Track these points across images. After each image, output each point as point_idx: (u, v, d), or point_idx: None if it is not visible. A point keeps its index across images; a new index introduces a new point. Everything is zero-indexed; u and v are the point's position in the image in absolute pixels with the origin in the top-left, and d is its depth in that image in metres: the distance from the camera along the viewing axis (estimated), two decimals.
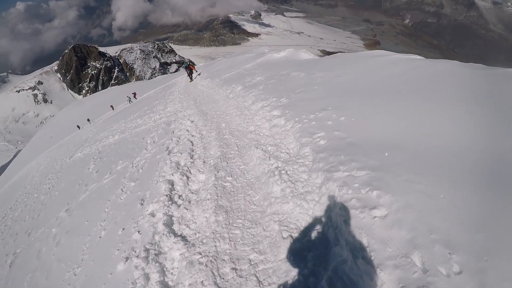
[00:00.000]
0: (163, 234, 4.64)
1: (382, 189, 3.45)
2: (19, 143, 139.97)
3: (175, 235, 4.59)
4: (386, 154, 4.16)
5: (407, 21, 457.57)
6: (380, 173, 3.76)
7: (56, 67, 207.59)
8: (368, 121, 5.39)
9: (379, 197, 3.35)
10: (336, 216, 3.55)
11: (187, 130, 9.45)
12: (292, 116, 6.82)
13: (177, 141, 8.82)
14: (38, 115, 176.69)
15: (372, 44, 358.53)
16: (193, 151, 7.45)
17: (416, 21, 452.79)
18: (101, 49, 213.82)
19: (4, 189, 25.34)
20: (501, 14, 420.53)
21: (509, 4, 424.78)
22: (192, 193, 5.58)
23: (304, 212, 4.04)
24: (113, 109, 40.86)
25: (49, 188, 13.43)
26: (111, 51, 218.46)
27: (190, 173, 6.30)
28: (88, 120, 40.24)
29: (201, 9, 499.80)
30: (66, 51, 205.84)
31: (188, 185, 5.89)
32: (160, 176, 6.73)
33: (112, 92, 73.91)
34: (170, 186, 5.90)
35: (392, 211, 3.13)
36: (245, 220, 4.40)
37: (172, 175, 6.31)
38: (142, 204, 6.00)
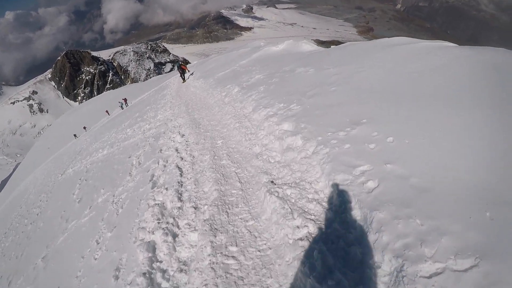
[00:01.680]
0: None
1: None
2: (18, 155, 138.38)
3: None
4: (488, 214, 2.53)
5: (398, 6, 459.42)
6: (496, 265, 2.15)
7: (49, 75, 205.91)
8: (432, 145, 3.59)
9: None
10: None
11: (176, 150, 7.79)
12: (312, 134, 5.04)
13: (164, 165, 7.18)
14: (35, 126, 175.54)
15: (366, 31, 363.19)
16: (181, 185, 5.68)
17: (407, 5, 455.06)
18: (94, 53, 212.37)
19: (4, 207, 24.54)
20: None
21: None
22: (181, 270, 3.75)
23: None
24: (108, 114, 41.03)
25: (37, 215, 12.58)
26: (104, 54, 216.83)
27: (178, 227, 4.51)
28: (84, 128, 40.32)
29: (193, 6, 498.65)
30: (59, 58, 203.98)
31: (176, 251, 4.09)
32: (139, 228, 4.96)
33: (107, 97, 73.96)
34: (150, 255, 4.15)
35: None
36: None
37: (153, 233, 4.54)
38: (116, 279, 4.28)
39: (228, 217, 4.22)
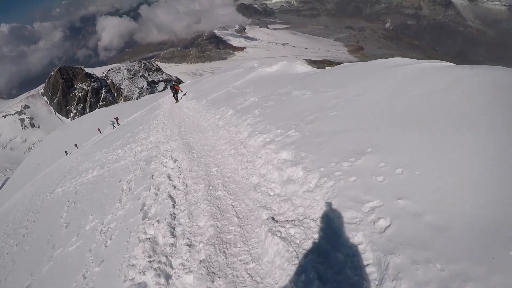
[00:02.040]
0: None
1: None
2: (7, 170, 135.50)
3: None
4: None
5: (388, 24, 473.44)
6: None
7: (42, 90, 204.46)
8: (445, 176, 3.37)
9: None
10: None
11: (169, 176, 7.47)
12: (314, 164, 4.73)
13: (156, 193, 6.85)
14: (25, 140, 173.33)
15: (356, 49, 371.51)
16: (174, 218, 5.33)
17: (396, 24, 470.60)
18: (88, 70, 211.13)
19: None
20: (477, 10, 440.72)
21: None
22: None
23: None
24: (100, 132, 41.17)
25: (23, 236, 12.16)
26: (98, 72, 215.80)
27: (172, 267, 4.15)
28: (76, 145, 40.18)
29: (186, 26, 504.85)
30: (52, 73, 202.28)
31: None
32: (129, 265, 4.61)
33: (100, 114, 73.99)
34: None
35: None
36: None
37: (144, 273, 4.18)
38: None
39: (226, 258, 3.85)
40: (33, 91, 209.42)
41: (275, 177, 5.20)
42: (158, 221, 5.46)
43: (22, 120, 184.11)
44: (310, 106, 7.70)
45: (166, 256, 4.33)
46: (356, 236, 3.19)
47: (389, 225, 3.09)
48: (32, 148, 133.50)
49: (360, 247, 3.09)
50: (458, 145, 3.77)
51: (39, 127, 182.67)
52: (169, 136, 12.11)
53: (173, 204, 5.85)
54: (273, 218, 4.17)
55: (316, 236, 3.58)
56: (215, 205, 5.17)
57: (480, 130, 3.91)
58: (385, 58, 9.86)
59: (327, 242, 3.41)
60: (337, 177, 4.15)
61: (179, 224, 5.09)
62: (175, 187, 6.72)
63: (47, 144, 69.69)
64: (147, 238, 5.01)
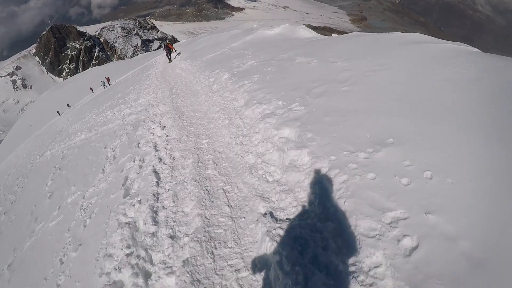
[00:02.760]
0: None
1: None
2: (1, 133, 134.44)
3: None
4: None
5: None
6: None
7: (34, 50, 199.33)
8: (485, 189, 2.61)
9: None
10: None
11: (155, 146, 6.81)
12: (323, 150, 3.89)
13: (140, 166, 6.24)
14: (18, 102, 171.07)
15: (359, 19, 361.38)
16: (157, 199, 4.67)
17: None
18: (80, 28, 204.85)
19: None
20: None
21: None
22: None
23: None
24: (92, 91, 41.53)
25: (11, 203, 12.01)
26: (91, 30, 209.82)
27: (152, 263, 3.52)
28: (68, 105, 40.20)
29: None
30: (44, 32, 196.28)
31: None
32: (106, 256, 4.00)
33: (93, 73, 72.62)
34: None
35: None
36: None
37: (121, 270, 3.57)
38: None
39: (214, 262, 3.18)
40: (24, 52, 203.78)
41: (275, 159, 4.43)
42: (139, 201, 4.82)
43: (14, 82, 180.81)
44: (317, 76, 6.72)
45: (146, 250, 3.70)
46: (374, 255, 2.52)
47: (416, 247, 2.42)
48: (25, 109, 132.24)
49: (379, 271, 2.42)
50: (503, 154, 2.93)
51: (31, 88, 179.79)
52: (159, 98, 11.54)
53: (157, 182, 5.19)
54: (271, 214, 3.45)
55: (324, 245, 2.86)
56: (203, 188, 4.48)
57: None
58: (392, 32, 8.82)
59: (338, 257, 2.71)
60: (352, 171, 3.34)
61: (163, 207, 4.44)
62: (161, 159, 6.06)
63: (39, 105, 69.86)
64: (127, 223, 4.38)
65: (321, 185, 3.45)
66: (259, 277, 2.86)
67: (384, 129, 3.84)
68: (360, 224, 2.75)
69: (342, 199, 3.07)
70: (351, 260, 2.62)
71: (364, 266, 2.51)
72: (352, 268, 2.55)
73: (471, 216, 2.45)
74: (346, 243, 2.76)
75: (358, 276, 2.46)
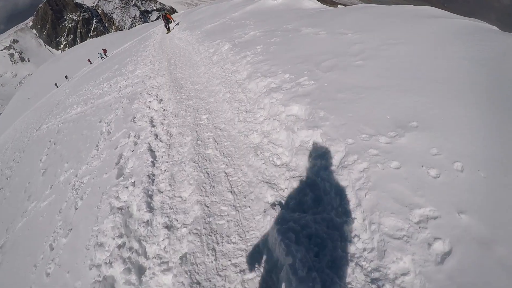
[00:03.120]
0: None
1: None
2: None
3: None
4: None
5: None
6: None
7: (31, 23, 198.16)
8: None
9: None
10: None
11: (151, 121, 6.39)
12: (338, 132, 3.38)
13: (135, 143, 5.81)
14: (16, 75, 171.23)
15: None
16: (153, 182, 4.25)
17: None
18: (78, 0, 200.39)
19: None
20: None
21: None
22: None
23: None
24: (90, 63, 41.62)
25: (7, 179, 11.97)
26: (88, 1, 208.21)
27: (146, 257, 3.14)
28: (66, 77, 41.13)
29: None
30: (41, 5, 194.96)
31: None
32: (97, 245, 3.64)
33: (90, 45, 73.82)
34: None
35: None
36: None
37: (112, 265, 3.19)
38: None
39: (216, 260, 2.75)
40: (21, 25, 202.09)
41: (283, 139, 3.94)
42: (133, 183, 4.41)
43: (11, 55, 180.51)
44: (326, 49, 6.12)
45: (140, 241, 3.31)
46: (401, 261, 2.12)
47: (449, 252, 2.02)
48: (23, 82, 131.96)
49: (407, 280, 2.02)
50: None
51: (29, 61, 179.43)
52: (157, 70, 11.14)
53: (152, 162, 4.76)
54: (280, 205, 2.99)
55: (343, 246, 2.44)
56: (203, 170, 4.03)
57: None
58: (393, 5, 8.20)
59: (356, 260, 2.31)
60: (373, 158, 2.87)
61: (158, 191, 4.03)
62: (157, 136, 5.62)
63: (37, 78, 70.93)
64: (119, 208, 4.00)
65: (337, 173, 2.98)
66: (268, 280, 2.45)
67: (406, 110, 3.32)
68: (385, 222, 2.32)
69: (363, 190, 2.61)
70: (373, 264, 2.22)
71: (390, 273, 2.11)
72: (375, 274, 2.15)
73: (507, 218, 2.06)
74: (366, 245, 2.36)
75: (383, 284, 2.07)
